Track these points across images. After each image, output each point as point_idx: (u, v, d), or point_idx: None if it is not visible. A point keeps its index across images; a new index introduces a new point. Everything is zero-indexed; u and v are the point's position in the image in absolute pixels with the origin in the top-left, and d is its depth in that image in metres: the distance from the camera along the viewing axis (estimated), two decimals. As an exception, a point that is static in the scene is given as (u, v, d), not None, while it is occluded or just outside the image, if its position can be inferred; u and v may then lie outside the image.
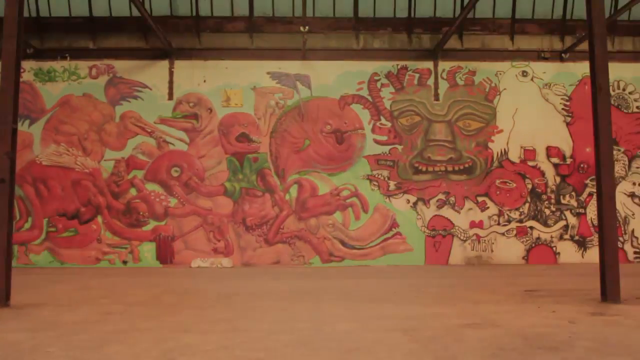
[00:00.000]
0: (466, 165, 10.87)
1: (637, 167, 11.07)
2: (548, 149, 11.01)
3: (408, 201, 10.76)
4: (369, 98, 10.99)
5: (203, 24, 11.04)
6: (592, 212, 10.77)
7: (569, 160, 11.01)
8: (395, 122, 10.96)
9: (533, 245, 10.77)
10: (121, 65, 10.95)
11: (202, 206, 10.64)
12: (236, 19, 11.07)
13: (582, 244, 10.82)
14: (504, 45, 11.25)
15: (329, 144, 10.86)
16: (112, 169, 10.68)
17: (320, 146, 10.85)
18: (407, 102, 11.01)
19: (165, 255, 10.51)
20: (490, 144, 10.98)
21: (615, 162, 10.70)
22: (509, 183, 10.89)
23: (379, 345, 2.91)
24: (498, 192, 10.86)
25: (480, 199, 10.80)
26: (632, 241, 10.82)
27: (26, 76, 10.77)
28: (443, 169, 10.85)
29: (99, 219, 10.58)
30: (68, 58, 10.93)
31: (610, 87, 10.95)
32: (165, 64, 10.96)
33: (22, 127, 10.52)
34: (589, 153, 10.88)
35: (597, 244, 4.88)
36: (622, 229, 10.80)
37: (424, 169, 10.83)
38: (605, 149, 4.80)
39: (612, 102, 11.05)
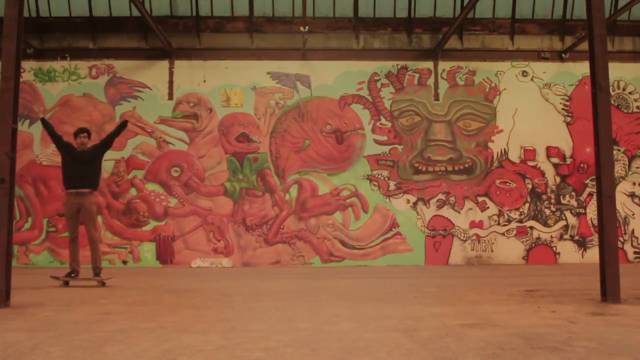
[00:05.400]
0: (466, 165, 10.87)
1: (637, 167, 11.07)
2: (548, 149, 11.02)
3: (408, 201, 10.76)
4: (369, 98, 10.99)
5: (203, 24, 11.05)
6: (592, 212, 10.77)
7: (569, 160, 11.01)
8: (395, 122, 10.96)
9: (533, 245, 10.77)
10: (121, 65, 10.96)
11: (202, 206, 10.64)
12: (236, 19, 11.08)
13: (582, 244, 10.82)
14: (504, 45, 11.26)
15: (329, 144, 10.87)
16: (112, 169, 10.68)
17: (320, 146, 10.85)
18: (407, 102, 11.02)
19: (165, 255, 10.51)
20: (490, 144, 10.99)
21: (615, 162, 10.70)
22: (509, 183, 10.90)
23: (378, 345, 2.91)
24: (498, 192, 10.86)
25: (480, 199, 10.81)
26: (632, 241, 10.83)
27: (26, 76, 10.77)
28: (443, 169, 10.86)
29: (99, 219, 10.56)
30: (68, 58, 10.93)
31: (610, 87, 10.95)
32: (165, 64, 10.96)
33: (22, 127, 10.52)
34: (589, 153, 10.88)
35: (597, 244, 4.87)
36: (622, 229, 10.80)
37: (424, 169, 10.83)
38: (605, 149, 4.79)
39: (612, 102, 11.06)
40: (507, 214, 10.83)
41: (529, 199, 10.88)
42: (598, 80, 4.85)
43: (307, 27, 9.93)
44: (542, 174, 10.97)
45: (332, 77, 11.00)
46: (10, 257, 4.75)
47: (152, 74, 10.95)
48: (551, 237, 10.82)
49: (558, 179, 10.98)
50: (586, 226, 10.87)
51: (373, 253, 10.64)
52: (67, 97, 10.87)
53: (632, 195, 10.99)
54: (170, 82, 10.93)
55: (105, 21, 11.02)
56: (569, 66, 11.24)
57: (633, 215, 10.92)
